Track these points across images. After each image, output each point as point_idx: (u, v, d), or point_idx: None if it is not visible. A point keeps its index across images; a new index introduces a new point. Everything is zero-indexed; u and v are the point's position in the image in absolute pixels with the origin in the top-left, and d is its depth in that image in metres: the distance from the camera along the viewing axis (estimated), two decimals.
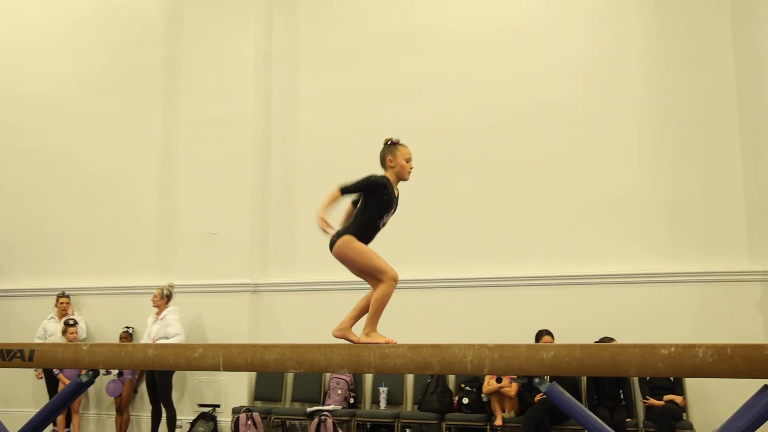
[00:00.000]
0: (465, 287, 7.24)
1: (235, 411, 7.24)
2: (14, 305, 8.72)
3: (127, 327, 7.80)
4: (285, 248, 7.98)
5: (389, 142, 4.02)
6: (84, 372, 4.23)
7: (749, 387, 3.43)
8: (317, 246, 7.83)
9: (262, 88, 8.23)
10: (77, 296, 8.32)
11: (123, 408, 7.73)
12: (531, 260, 7.14)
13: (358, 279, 7.91)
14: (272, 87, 8.29)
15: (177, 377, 7.66)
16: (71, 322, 7.81)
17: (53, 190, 8.85)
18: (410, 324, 7.16)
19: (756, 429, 3.45)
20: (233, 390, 7.65)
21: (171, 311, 7.45)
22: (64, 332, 7.73)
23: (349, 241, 3.84)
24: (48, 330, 8.01)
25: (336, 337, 3.87)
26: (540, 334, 6.57)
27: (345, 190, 3.88)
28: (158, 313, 7.46)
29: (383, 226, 3.94)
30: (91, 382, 4.32)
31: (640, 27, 7.22)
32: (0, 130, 9.16)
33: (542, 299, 7.02)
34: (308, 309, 7.70)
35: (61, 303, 8.08)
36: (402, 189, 8.20)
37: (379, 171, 3.99)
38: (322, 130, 8.03)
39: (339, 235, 3.89)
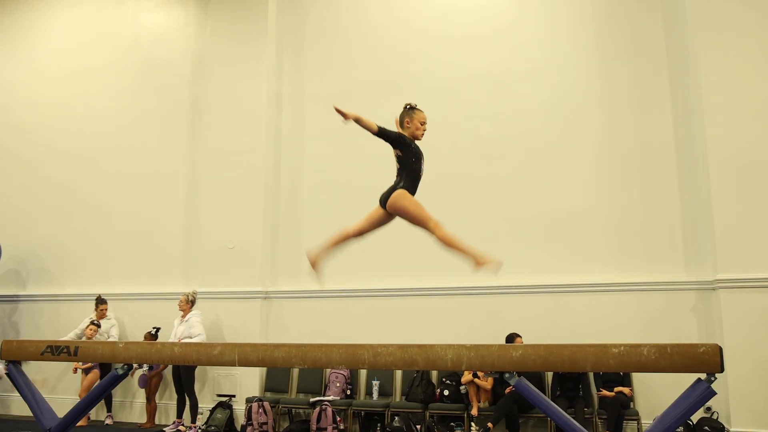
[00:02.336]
0: (447, 295, 7.27)
1: (249, 400, 7.23)
2: (61, 308, 8.69)
3: (156, 327, 7.76)
4: (292, 260, 7.99)
5: (408, 107, 4.11)
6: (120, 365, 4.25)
7: (686, 380, 3.48)
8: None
9: (273, 123, 8.29)
10: (114, 300, 8.31)
11: (151, 397, 7.71)
12: (504, 272, 7.05)
13: (356, 287, 8.00)
14: (282, 122, 8.35)
15: (199, 371, 7.64)
16: (95, 321, 7.78)
17: (97, 211, 8.86)
18: (399, 327, 7.21)
19: (691, 415, 3.48)
20: (247, 382, 7.63)
21: (194, 314, 7.45)
22: (85, 328, 7.73)
23: (403, 194, 3.93)
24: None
25: None
26: (512, 336, 6.58)
27: (381, 131, 3.97)
28: (183, 316, 7.45)
29: (421, 174, 4.02)
30: (126, 374, 4.34)
31: (594, 75, 7.31)
32: (58, 159, 9.18)
33: (512, 305, 7.05)
34: (312, 313, 7.71)
35: (101, 309, 8.05)
36: None
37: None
38: (324, 158, 8.08)
39: (391, 190, 3.93)
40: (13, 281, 9.09)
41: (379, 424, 6.97)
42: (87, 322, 7.84)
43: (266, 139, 8.16)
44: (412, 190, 3.95)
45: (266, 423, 7.00)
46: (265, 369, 7.66)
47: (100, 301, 8.06)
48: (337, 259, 7.89)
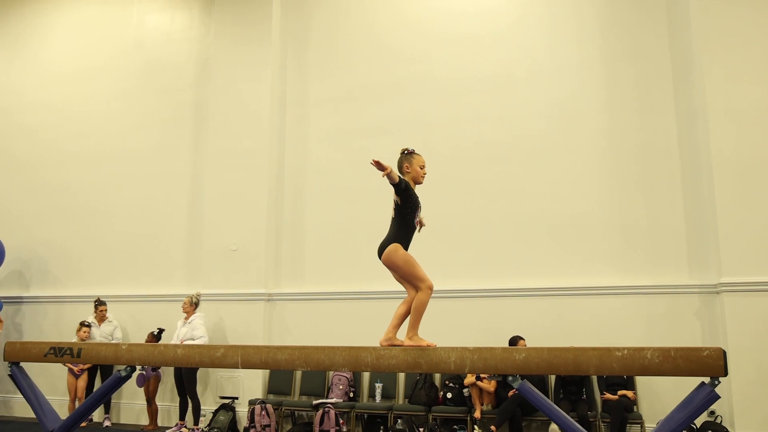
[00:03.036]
0: (451, 298, 7.26)
1: (251, 402, 7.22)
2: (64, 309, 8.70)
3: (160, 329, 7.74)
4: (295, 263, 8.00)
5: (405, 152, 4.04)
6: (123, 367, 4.25)
7: (689, 384, 3.47)
8: (323, 261, 7.96)
9: (277, 126, 8.30)
10: (117, 302, 8.32)
11: (151, 399, 7.70)
12: (507, 275, 7.17)
13: (359, 289, 8.00)
14: (285, 124, 8.35)
15: (201, 373, 7.64)
16: (86, 323, 7.74)
17: (99, 212, 8.88)
18: (402, 329, 7.18)
19: (694, 419, 3.47)
20: (250, 385, 7.63)
21: (197, 316, 7.45)
22: (78, 330, 7.67)
23: (396, 249, 3.81)
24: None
25: (383, 345, 3.78)
26: (515, 339, 6.57)
27: (402, 181, 3.87)
28: (186, 318, 7.45)
29: (417, 225, 3.95)
30: (129, 376, 4.34)
31: (598, 78, 7.30)
32: (61, 161, 9.20)
33: (516, 308, 7.04)
34: (315, 315, 7.71)
35: (101, 311, 8.05)
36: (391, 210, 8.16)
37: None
38: (327, 162, 8.09)
39: (386, 243, 3.84)
40: (16, 283, 9.11)
41: (381, 427, 6.96)
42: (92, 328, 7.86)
43: (270, 141, 8.17)
44: (406, 244, 3.85)
45: (269, 425, 6.99)
46: (268, 371, 7.66)
47: (99, 303, 8.06)
48: (340, 261, 7.97)
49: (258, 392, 7.60)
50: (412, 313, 3.80)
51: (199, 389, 7.50)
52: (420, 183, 4.03)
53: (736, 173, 6.39)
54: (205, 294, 7.81)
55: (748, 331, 6.12)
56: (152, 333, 7.65)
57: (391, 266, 3.84)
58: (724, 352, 3.28)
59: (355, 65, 8.21)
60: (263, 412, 7.01)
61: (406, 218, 3.88)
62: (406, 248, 3.84)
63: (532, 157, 7.35)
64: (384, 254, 3.82)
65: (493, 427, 6.19)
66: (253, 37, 8.38)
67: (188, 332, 7.28)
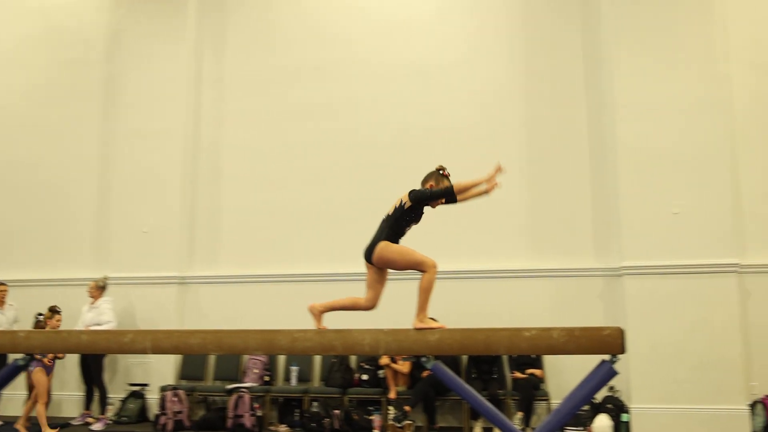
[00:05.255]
0: (366, 281, 7.26)
1: (163, 389, 7.01)
2: None
3: (41, 314, 7.03)
4: (210, 246, 7.80)
5: (440, 171, 3.92)
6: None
7: (592, 361, 3.63)
8: (239, 244, 7.80)
9: (193, 105, 8.02)
10: (17, 287, 7.82)
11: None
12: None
13: (275, 272, 7.88)
14: (201, 104, 8.08)
15: (109, 360, 7.35)
16: None
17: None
18: (407, 314, 7.15)
19: (595, 394, 3.63)
20: (161, 371, 7.39)
21: (105, 301, 7.15)
22: None
23: (386, 245, 3.74)
24: None
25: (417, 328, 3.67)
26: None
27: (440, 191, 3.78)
28: (93, 303, 7.13)
29: (404, 234, 3.86)
30: (26, 365, 4.11)
31: (517, 69, 7.45)
32: None
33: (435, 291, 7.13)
34: (231, 299, 7.56)
35: (0, 291, 7.55)
36: (315, 196, 8.17)
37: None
38: (245, 144, 7.90)
39: (374, 243, 3.77)
40: None
41: (297, 410, 6.93)
42: None
43: (185, 120, 7.90)
44: (396, 242, 3.79)
45: (181, 412, 6.82)
46: (180, 356, 7.45)
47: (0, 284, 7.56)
48: (257, 244, 7.83)
49: (170, 378, 7.38)
50: (421, 294, 3.74)
51: (106, 376, 7.21)
52: (433, 207, 3.92)
53: (638, 164, 6.70)
54: (114, 277, 7.48)
55: (645, 312, 6.48)
56: (38, 319, 7.08)
57: (387, 262, 3.77)
58: (623, 332, 3.45)
59: (276, 45, 8.03)
60: (175, 399, 6.83)
61: (401, 223, 3.81)
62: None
63: (452, 144, 7.43)
64: (375, 254, 3.75)
65: (407, 408, 6.28)
66: (168, 11, 8.04)
67: (94, 317, 6.97)
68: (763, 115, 6.88)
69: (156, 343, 3.87)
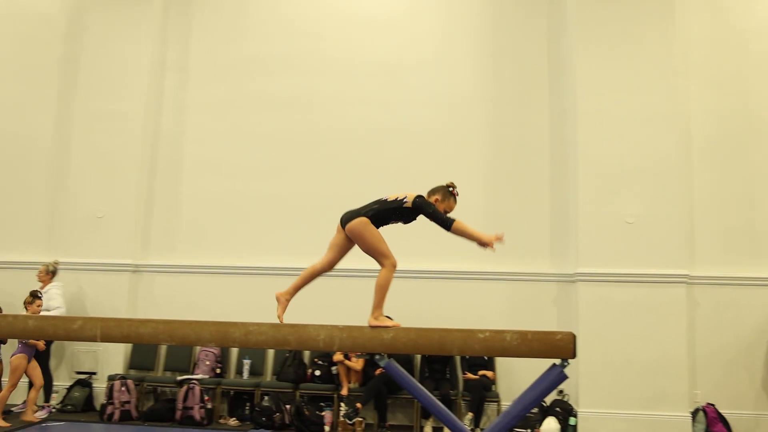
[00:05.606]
0: (323, 276, 7.23)
1: (111, 378, 6.86)
2: None
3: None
4: (167, 234, 7.66)
5: (450, 189, 3.85)
6: None
7: (544, 365, 3.68)
8: (197, 234, 7.68)
9: (155, 90, 7.85)
10: None
11: None
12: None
13: (232, 264, 7.80)
14: (164, 89, 7.92)
15: (55, 347, 7.15)
16: None
17: None
18: (274, 306, 7.09)
19: (545, 397, 3.69)
20: (110, 359, 7.22)
21: (54, 286, 6.95)
22: None
23: (366, 223, 3.69)
24: None
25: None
26: None
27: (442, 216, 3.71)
28: (42, 288, 6.93)
29: (387, 224, 3.81)
30: None
31: (482, 72, 7.51)
32: None
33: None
34: (185, 289, 7.43)
35: None
36: (275, 188, 8.09)
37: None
38: (207, 132, 7.78)
39: (356, 214, 3.72)
40: None
41: (248, 404, 6.86)
42: None
43: (146, 106, 7.73)
44: (376, 226, 3.74)
45: (129, 402, 6.68)
46: (130, 345, 7.30)
47: None
48: (215, 235, 7.73)
49: (119, 367, 7.23)
50: (376, 291, 3.73)
51: (52, 364, 7.01)
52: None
53: (597, 173, 6.83)
54: (65, 262, 7.28)
55: (597, 318, 6.61)
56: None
57: (357, 237, 3.72)
58: (575, 336, 3.51)
59: (243, 34, 7.92)
60: (123, 388, 6.69)
61: (390, 214, 3.77)
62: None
63: (415, 143, 7.47)
64: (352, 223, 3.70)
65: (358, 405, 6.28)
66: None
67: (43, 303, 6.77)
68: (716, 131, 7.09)
69: (106, 331, 3.78)
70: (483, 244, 3.67)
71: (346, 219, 3.78)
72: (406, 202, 3.77)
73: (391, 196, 3.83)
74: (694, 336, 6.71)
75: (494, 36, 7.58)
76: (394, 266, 3.75)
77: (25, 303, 6.63)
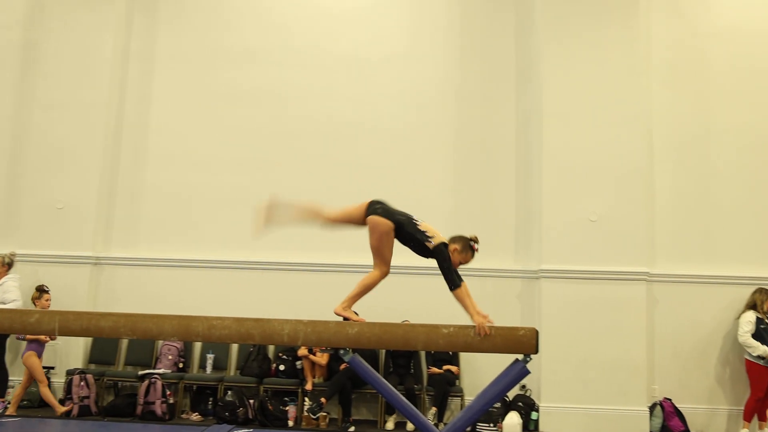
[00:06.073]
0: (287, 270, 7.23)
1: (69, 372, 6.73)
2: None
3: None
4: (129, 227, 7.52)
5: (471, 242, 3.82)
6: None
7: (507, 360, 3.73)
8: (160, 226, 7.57)
9: (118, 79, 7.69)
10: None
11: None
12: (345, 250, 7.24)
13: (196, 257, 7.70)
14: (128, 79, 7.76)
15: (11, 341, 6.96)
16: None
17: None
18: (238, 300, 7.06)
19: (507, 392, 3.73)
20: (69, 354, 7.08)
21: (10, 278, 6.76)
22: None
23: (390, 229, 3.75)
24: None
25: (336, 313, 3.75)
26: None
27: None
28: None
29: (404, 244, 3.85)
30: None
31: (450, 69, 7.54)
32: None
33: (352, 284, 7.12)
34: (148, 283, 7.31)
35: None
36: (241, 181, 8.00)
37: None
38: (172, 124, 7.66)
39: (388, 214, 3.75)
40: None
41: (211, 398, 6.80)
42: None
43: (109, 95, 7.57)
44: (397, 234, 3.78)
45: (88, 397, 6.56)
46: (90, 340, 7.16)
47: None
48: (179, 227, 7.62)
49: (78, 362, 7.09)
50: (358, 286, 3.79)
51: (7, 358, 6.83)
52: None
53: (561, 171, 6.94)
54: (22, 254, 7.10)
55: (559, 314, 6.72)
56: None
57: (373, 233, 3.77)
58: (537, 332, 3.57)
59: (209, 25, 7.81)
60: (82, 383, 6.56)
61: (411, 239, 3.81)
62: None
63: (382, 139, 7.47)
64: (378, 221, 3.74)
65: (323, 399, 6.27)
66: None
67: None
68: (677, 132, 7.26)
69: (64, 324, 3.72)
70: (473, 320, 3.63)
71: (374, 211, 3.78)
72: (430, 241, 3.77)
73: (422, 225, 3.83)
74: (653, 332, 6.87)
75: (462, 34, 7.62)
76: (385, 275, 3.83)
77: (33, 299, 6.64)
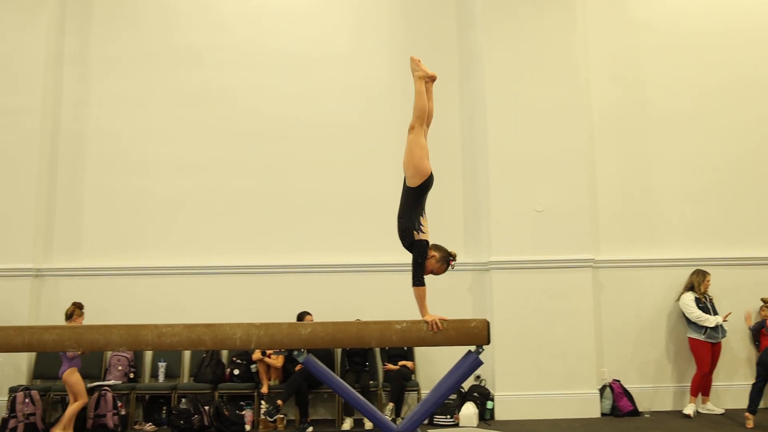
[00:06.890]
0: (238, 273, 7.14)
1: (12, 390, 6.48)
2: None
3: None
4: (71, 236, 7.28)
5: (451, 257, 3.91)
6: None
7: (460, 352, 3.78)
8: (104, 234, 7.36)
9: (52, 83, 7.43)
10: None
11: None
12: (297, 251, 7.23)
13: (143, 265, 7.52)
14: (63, 83, 7.51)
15: None
16: None
17: None
18: (189, 307, 6.94)
19: (462, 383, 3.79)
20: (11, 370, 6.82)
21: None
22: None
23: (427, 173, 4.05)
24: None
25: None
26: (302, 314, 6.65)
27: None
28: None
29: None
30: None
31: (393, 66, 7.57)
32: None
33: (304, 284, 7.12)
34: (94, 293, 7.07)
35: None
36: (185, 185, 7.85)
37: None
38: (111, 129, 7.44)
39: (406, 226, 3.83)
40: None
41: (164, 408, 6.67)
42: None
43: (43, 100, 7.30)
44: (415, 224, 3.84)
45: (34, 414, 6.33)
46: (34, 354, 6.92)
47: None
48: (123, 235, 7.44)
49: (22, 378, 6.84)
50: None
51: None
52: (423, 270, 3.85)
53: (506, 164, 7.07)
54: None
55: (510, 304, 6.85)
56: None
57: (412, 165, 4.05)
58: (488, 323, 3.64)
59: (148, 25, 7.62)
60: (27, 400, 6.33)
61: (407, 221, 3.88)
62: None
63: (328, 137, 7.45)
64: (426, 164, 4.10)
65: (279, 402, 6.23)
66: None
67: None
68: (616, 122, 7.49)
69: (4, 339, 3.60)
70: (425, 320, 3.71)
71: (407, 232, 3.86)
72: (417, 234, 3.83)
73: (425, 218, 3.92)
74: (600, 317, 7.09)
75: (406, 30, 7.67)
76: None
77: (68, 314, 6.29)
